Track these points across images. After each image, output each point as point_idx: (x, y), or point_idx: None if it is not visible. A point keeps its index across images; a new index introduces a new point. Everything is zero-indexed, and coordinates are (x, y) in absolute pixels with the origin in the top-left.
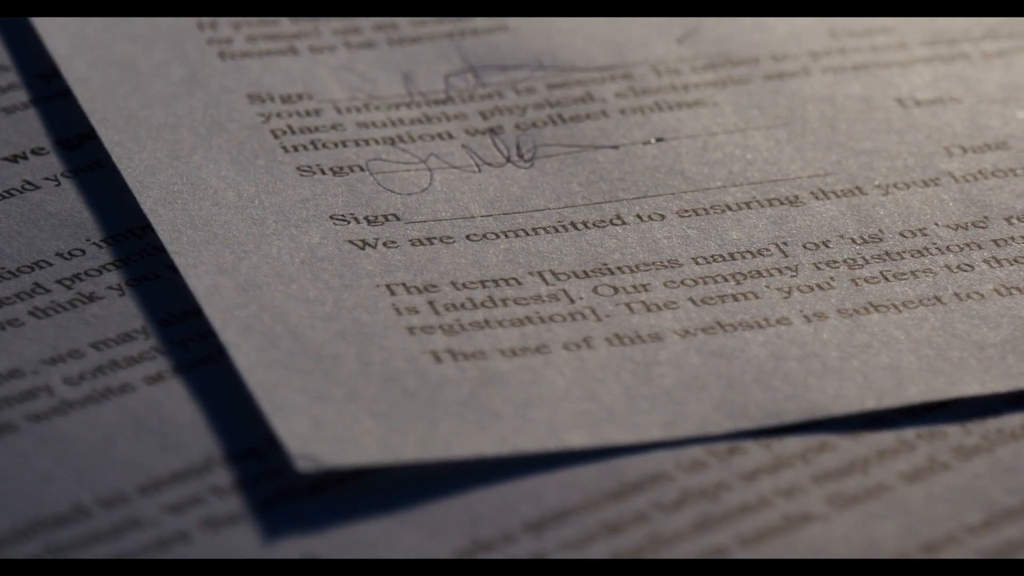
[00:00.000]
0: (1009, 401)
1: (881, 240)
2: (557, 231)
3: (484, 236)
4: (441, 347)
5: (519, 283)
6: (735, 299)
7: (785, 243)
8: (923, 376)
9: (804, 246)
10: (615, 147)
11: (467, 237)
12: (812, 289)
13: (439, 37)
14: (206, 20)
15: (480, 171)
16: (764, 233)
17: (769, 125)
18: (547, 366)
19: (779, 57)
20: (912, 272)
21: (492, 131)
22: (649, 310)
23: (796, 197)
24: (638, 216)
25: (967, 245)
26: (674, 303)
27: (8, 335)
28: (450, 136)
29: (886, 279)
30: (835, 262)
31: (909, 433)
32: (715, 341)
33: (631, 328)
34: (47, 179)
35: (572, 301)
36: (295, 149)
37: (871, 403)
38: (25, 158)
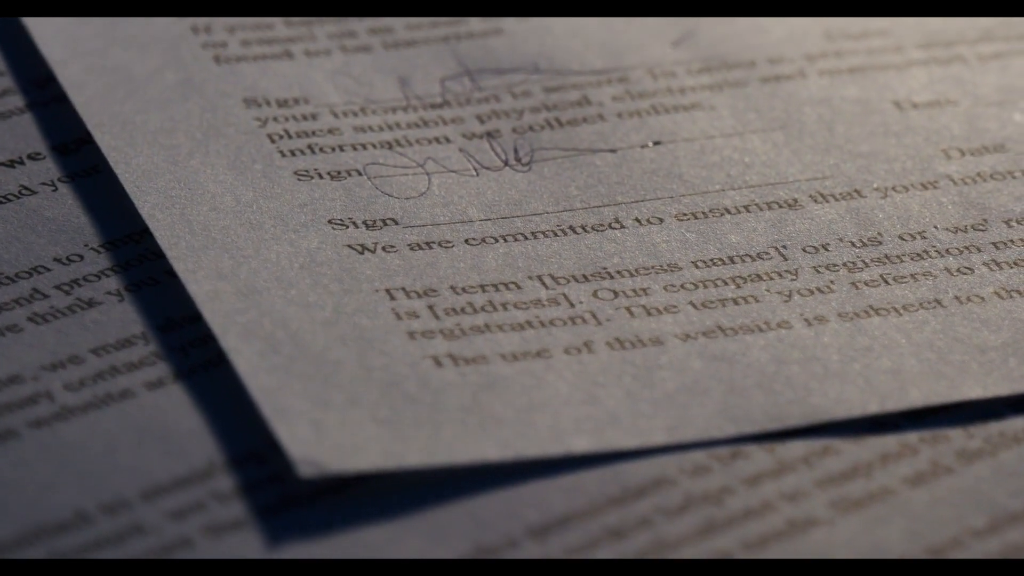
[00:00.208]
0: (1011, 404)
1: (880, 243)
2: (556, 235)
3: (483, 240)
4: (442, 352)
5: (519, 287)
6: (735, 303)
7: (784, 246)
8: (925, 379)
9: (803, 249)
10: (613, 151)
11: (466, 241)
12: (812, 292)
13: (434, 41)
14: (200, 24)
15: (478, 175)
16: (763, 236)
17: (766, 128)
18: (548, 371)
19: (775, 60)
20: (912, 275)
21: (489, 135)
22: (649, 314)
23: (795, 200)
24: (637, 220)
25: (967, 248)
26: (674, 307)
27: (8, 341)
28: (447, 140)
29: (886, 282)
30: (835, 265)
31: (912, 437)
32: (716, 345)
33: (632, 332)
34: (44, 184)
35: (572, 305)
36: (292, 154)
37: (873, 407)
38: (22, 163)
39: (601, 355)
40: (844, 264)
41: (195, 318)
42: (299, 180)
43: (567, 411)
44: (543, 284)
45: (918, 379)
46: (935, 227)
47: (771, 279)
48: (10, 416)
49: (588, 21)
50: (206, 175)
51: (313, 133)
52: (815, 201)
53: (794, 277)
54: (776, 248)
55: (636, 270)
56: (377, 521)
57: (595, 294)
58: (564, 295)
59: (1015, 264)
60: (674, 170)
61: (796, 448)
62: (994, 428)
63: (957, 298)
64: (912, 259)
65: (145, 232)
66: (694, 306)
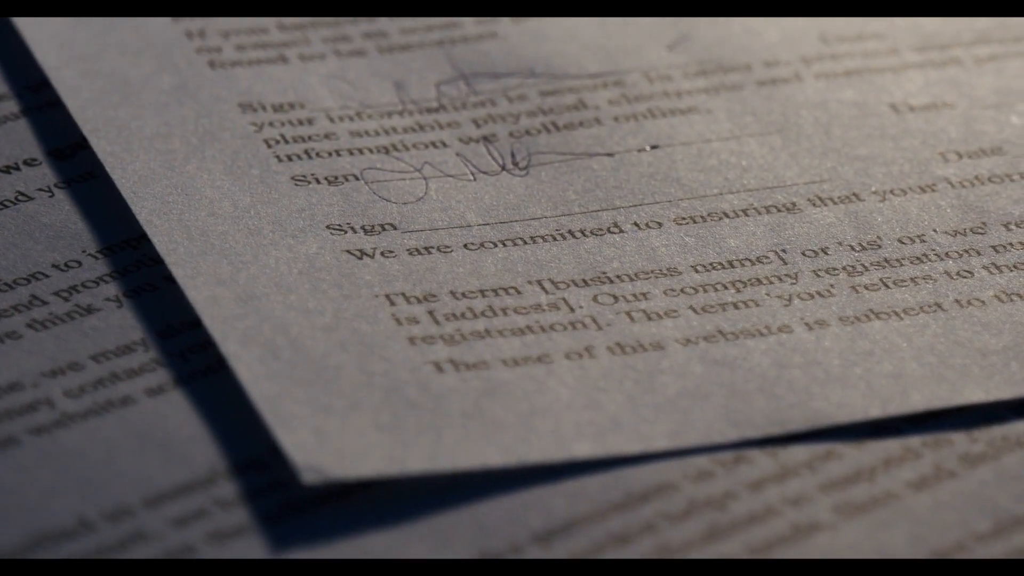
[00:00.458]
0: (1014, 408)
1: (880, 247)
2: (555, 239)
3: (482, 245)
4: (443, 357)
5: (518, 292)
6: (736, 307)
7: (784, 250)
8: (926, 383)
9: (803, 253)
10: (610, 155)
11: (465, 246)
12: (812, 296)
13: (429, 45)
14: (195, 29)
15: (475, 179)
16: (762, 240)
17: (763, 132)
18: (549, 376)
19: (771, 63)
20: (912, 279)
21: (486, 139)
22: (650, 319)
23: (793, 204)
24: (635, 224)
25: (966, 251)
26: (675, 311)
27: (7, 348)
28: (444, 144)
29: (886, 286)
30: (835, 269)
31: (914, 441)
32: (717, 349)
33: (632, 337)
34: (40, 190)
35: (572, 310)
36: (289, 159)
37: (876, 411)
38: (18, 169)
39: (602, 360)
40: (844, 268)
41: (194, 324)
42: (296, 185)
43: (569, 416)
44: (543, 289)
45: (920, 383)
46: (934, 230)
47: (771, 283)
48: (10, 423)
49: (583, 25)
50: (203, 180)
51: (309, 138)
52: (813, 205)
53: (794, 281)
54: (775, 252)
55: (636, 274)
56: (380, 527)
57: (595, 299)
58: (564, 300)
59: (1015, 267)
60: (672, 174)
61: (799, 452)
62: (997, 432)
63: (957, 301)
64: (912, 263)
65: (143, 238)
66: (694, 310)
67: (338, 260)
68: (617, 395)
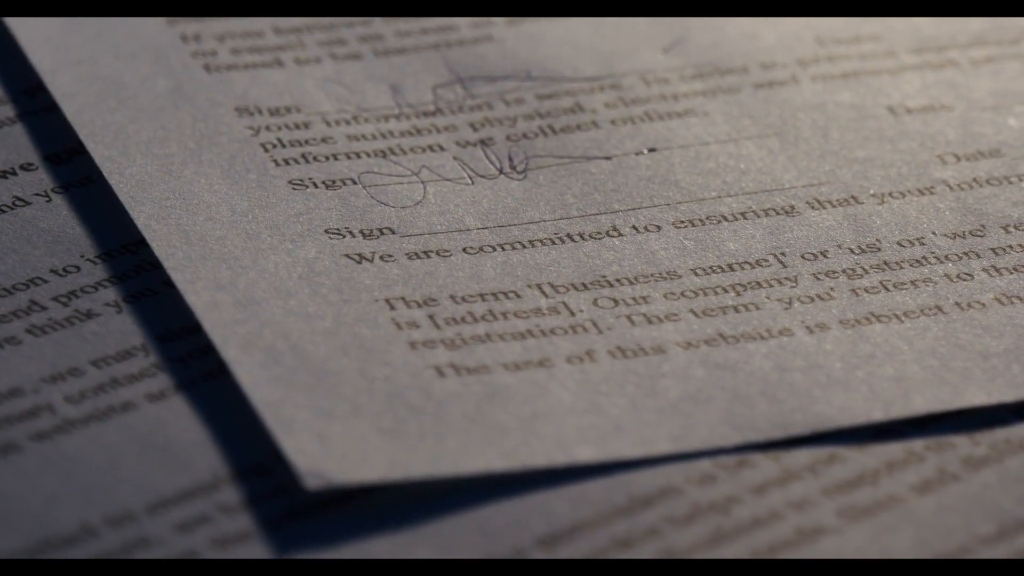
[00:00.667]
0: (1016, 411)
1: (879, 250)
2: (554, 243)
3: (481, 249)
4: (444, 362)
5: (518, 296)
6: (736, 310)
7: (783, 253)
8: (928, 386)
9: (802, 256)
10: (607, 158)
11: (464, 250)
12: (812, 300)
13: (424, 48)
14: (189, 32)
15: (473, 183)
16: (761, 243)
17: (761, 134)
18: (551, 380)
19: (767, 65)
20: (912, 282)
21: (483, 143)
22: (650, 322)
23: (792, 207)
24: (634, 227)
25: (965, 254)
26: (675, 315)
27: (7, 353)
28: (441, 148)
29: (886, 289)
30: (834, 272)
31: (917, 444)
32: (718, 353)
33: (633, 341)
34: (37, 195)
35: (572, 314)
36: (286, 163)
37: (878, 414)
38: (14, 174)
39: (603, 364)
40: (844, 271)
41: (194, 329)
42: (294, 189)
43: (571, 420)
44: (543, 293)
45: (922, 386)
46: (933, 233)
47: (771, 286)
48: (11, 429)
49: (577, 27)
50: (200, 185)
51: (306, 142)
52: (812, 208)
53: (794, 284)
54: (775, 255)
55: (635, 278)
56: (383, 533)
57: (595, 302)
58: (564, 304)
59: (1015, 270)
60: (670, 177)
61: (802, 456)
62: (1000, 435)
63: (958, 304)
64: (911, 265)
65: (141, 242)
66: (695, 314)
67: (337, 264)
68: (619, 399)
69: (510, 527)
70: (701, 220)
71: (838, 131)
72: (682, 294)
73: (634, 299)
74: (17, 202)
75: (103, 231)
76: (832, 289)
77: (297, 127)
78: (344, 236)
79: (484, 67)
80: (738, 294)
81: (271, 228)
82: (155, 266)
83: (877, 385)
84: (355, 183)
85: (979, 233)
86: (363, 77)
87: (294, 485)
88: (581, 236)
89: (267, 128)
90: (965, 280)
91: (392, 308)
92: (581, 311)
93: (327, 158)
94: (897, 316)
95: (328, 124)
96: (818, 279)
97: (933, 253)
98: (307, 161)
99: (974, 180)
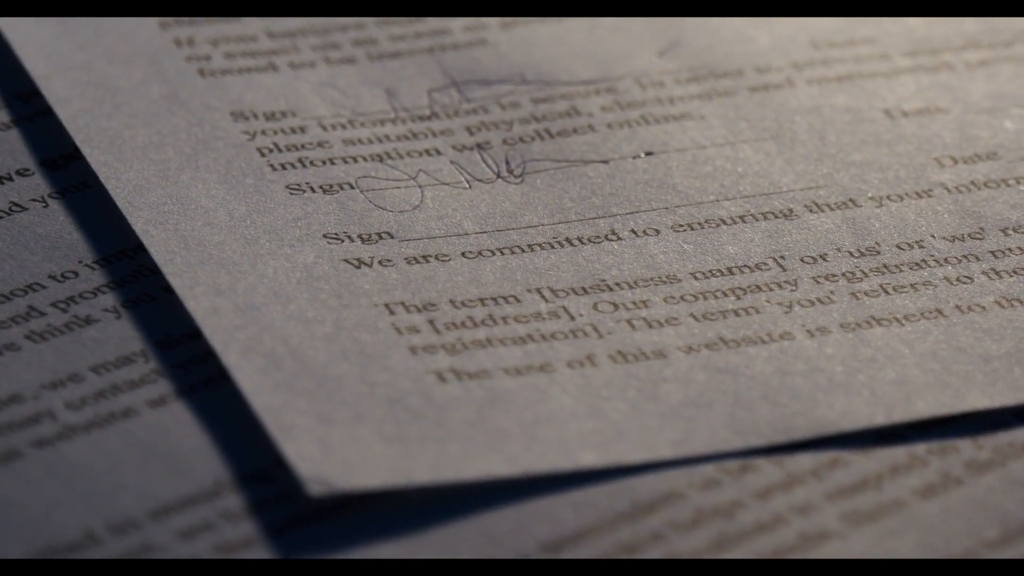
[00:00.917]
0: (1018, 414)
1: (878, 253)
2: (553, 247)
3: (480, 253)
4: (445, 366)
5: (518, 300)
6: (736, 314)
7: (782, 257)
8: (930, 390)
9: (802, 260)
10: (605, 162)
11: (463, 254)
12: (813, 303)
13: (418, 52)
14: (183, 36)
15: (471, 187)
16: (760, 247)
17: (758, 138)
18: (552, 384)
19: (762, 69)
20: (912, 285)
21: (480, 147)
22: (651, 326)
23: (790, 210)
24: (633, 231)
25: (965, 257)
26: (675, 319)
27: (6, 360)
28: (438, 152)
29: (886, 292)
30: (834, 276)
31: (920, 448)
32: (719, 357)
33: (634, 345)
34: (34, 200)
35: (573, 318)
36: (283, 167)
37: (880, 418)
38: (10, 179)
39: (604, 368)
40: (843, 274)
41: (194, 335)
42: (291, 194)
43: (573, 425)
44: (542, 297)
45: (923, 389)
46: (932, 236)
47: (771, 290)
48: (12, 436)
49: (572, 31)
50: (198, 190)
51: (303, 146)
52: (810, 211)
53: (794, 288)
54: (774, 259)
55: (635, 282)
56: (388, 538)
57: (595, 307)
58: (564, 308)
59: (1014, 273)
60: (667, 181)
61: (804, 461)
62: (1003, 438)
63: (958, 307)
64: (911, 268)
65: (139, 248)
66: (695, 318)
67: (336, 269)
68: (620, 403)
69: (514, 533)
70: (700, 224)
71: (834, 134)
72: (682, 298)
73: (634, 303)
74: (14, 208)
75: (101, 236)
76: (832, 292)
77: (293, 131)
78: (342, 241)
79: (479, 71)
80: (738, 298)
81: (269, 233)
82: (153, 271)
83: (879, 389)
84: (352, 187)
85: (978, 236)
86: (358, 81)
87: (297, 491)
88: (580, 240)
89: (263, 132)
90: (965, 283)
91: (392, 313)
92: (581, 315)
93: (324, 162)
94: (897, 319)
95: (324, 128)
96: (818, 282)
97: (932, 256)
98: (304, 166)
99: (972, 183)
